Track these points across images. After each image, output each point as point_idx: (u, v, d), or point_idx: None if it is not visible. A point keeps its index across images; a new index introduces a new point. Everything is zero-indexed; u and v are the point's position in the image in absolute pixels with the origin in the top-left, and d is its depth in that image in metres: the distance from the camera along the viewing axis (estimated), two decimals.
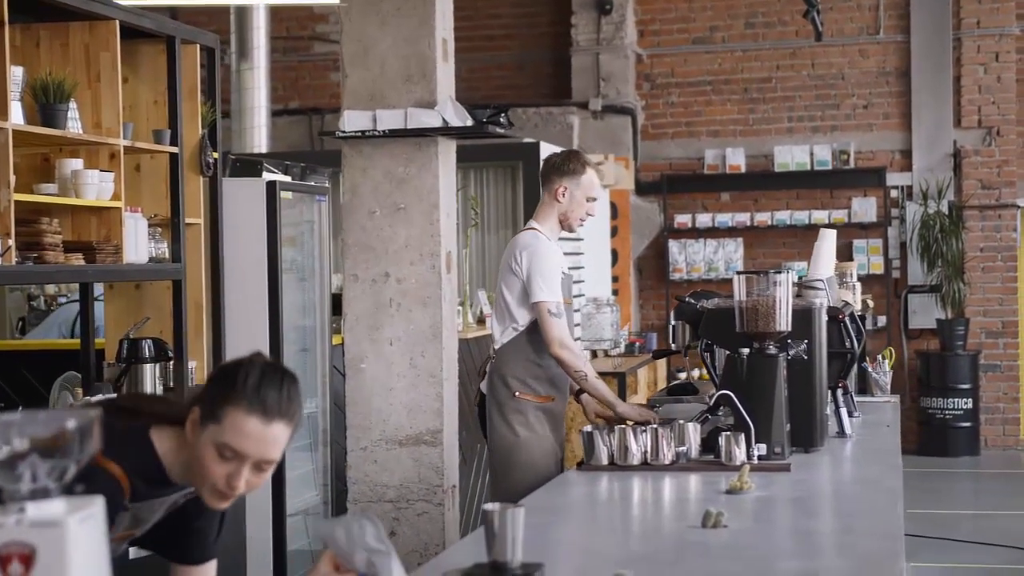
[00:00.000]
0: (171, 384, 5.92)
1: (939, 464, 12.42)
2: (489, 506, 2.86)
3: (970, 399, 12.75)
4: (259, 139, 11.46)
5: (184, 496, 2.91)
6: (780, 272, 4.62)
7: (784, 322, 4.57)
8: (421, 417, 5.79)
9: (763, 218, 13.34)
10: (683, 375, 10.86)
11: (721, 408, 4.59)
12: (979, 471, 12.36)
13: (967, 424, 12.77)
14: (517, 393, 5.44)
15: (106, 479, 2.69)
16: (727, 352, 4.74)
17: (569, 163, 5.55)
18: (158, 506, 2.89)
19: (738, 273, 4.66)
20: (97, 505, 1.88)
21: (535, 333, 5.38)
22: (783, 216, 13.30)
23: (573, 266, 10.46)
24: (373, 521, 2.47)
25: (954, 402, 12.73)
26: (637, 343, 11.13)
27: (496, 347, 5.57)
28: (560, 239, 5.58)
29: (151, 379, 5.70)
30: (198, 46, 6.23)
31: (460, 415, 6.05)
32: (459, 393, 6.05)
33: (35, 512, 1.85)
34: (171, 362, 5.90)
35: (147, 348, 5.73)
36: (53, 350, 7.02)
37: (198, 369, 6.18)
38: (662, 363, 11.23)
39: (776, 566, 3.14)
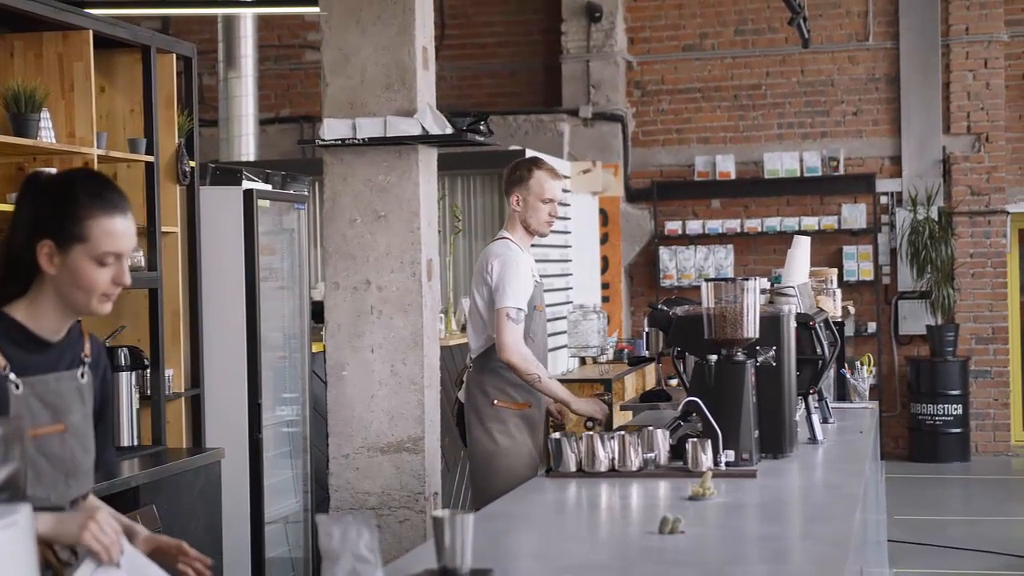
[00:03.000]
0: (148, 393, 5.93)
1: (929, 470, 12.43)
2: (438, 513, 2.89)
3: (960, 405, 12.76)
4: (247, 147, 11.48)
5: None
6: (748, 279, 4.63)
7: (752, 329, 4.58)
8: (402, 424, 5.78)
9: (753, 225, 13.35)
10: (674, 382, 10.84)
11: (692, 415, 4.60)
12: (969, 477, 12.35)
13: (957, 430, 12.77)
14: (496, 401, 5.48)
15: None
16: (696, 359, 4.75)
17: (516, 171, 5.61)
18: (55, 383, 2.90)
19: (706, 280, 4.67)
20: (22, 513, 1.90)
21: None
22: (773, 223, 13.30)
23: (561, 273, 10.51)
24: (371, 529, 2.48)
25: (944, 408, 12.73)
26: (626, 350, 11.12)
27: (473, 356, 5.60)
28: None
29: (127, 388, 5.71)
30: (174, 55, 6.24)
31: (442, 422, 6.06)
32: (441, 400, 6.06)
33: None
34: (147, 371, 5.91)
35: (123, 356, 5.73)
36: None
37: (175, 377, 6.19)
38: (651, 370, 11.23)
39: (726, 571, 3.15)
